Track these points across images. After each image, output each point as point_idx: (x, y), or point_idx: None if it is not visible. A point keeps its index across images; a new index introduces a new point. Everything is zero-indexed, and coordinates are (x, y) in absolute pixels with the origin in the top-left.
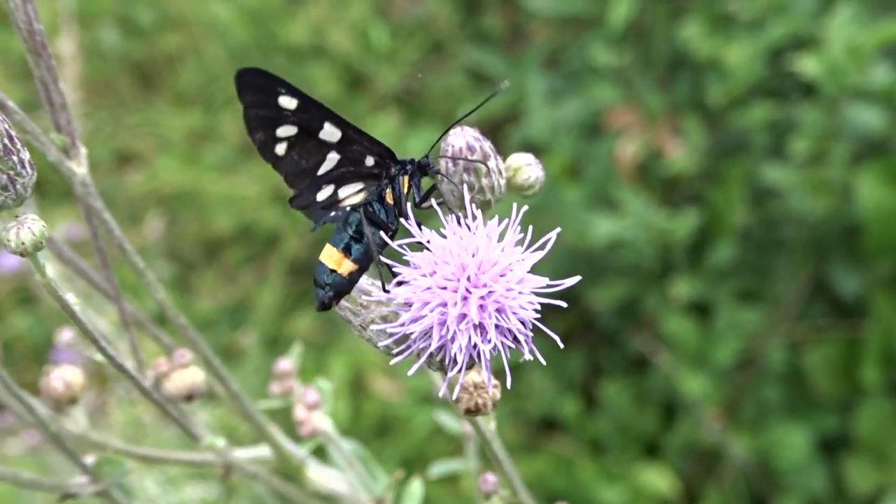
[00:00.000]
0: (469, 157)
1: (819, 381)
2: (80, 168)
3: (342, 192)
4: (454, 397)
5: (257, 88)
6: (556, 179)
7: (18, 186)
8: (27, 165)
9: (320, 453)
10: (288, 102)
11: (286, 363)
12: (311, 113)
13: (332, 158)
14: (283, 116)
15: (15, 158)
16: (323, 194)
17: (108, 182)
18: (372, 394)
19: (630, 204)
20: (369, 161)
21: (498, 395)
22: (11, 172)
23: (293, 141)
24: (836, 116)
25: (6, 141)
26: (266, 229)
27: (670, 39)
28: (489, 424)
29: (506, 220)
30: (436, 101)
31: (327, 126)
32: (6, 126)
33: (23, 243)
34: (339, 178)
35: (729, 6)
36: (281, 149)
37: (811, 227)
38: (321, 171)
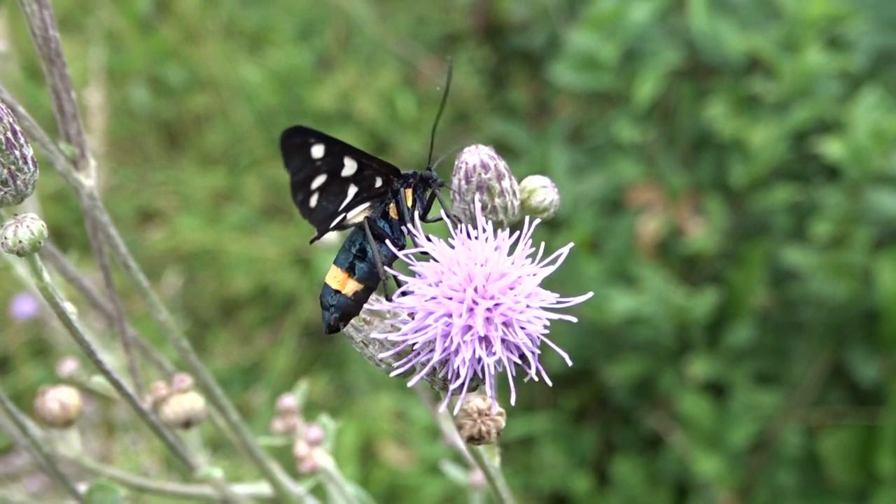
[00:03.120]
0: (482, 175)
1: (834, 467)
2: (87, 180)
3: (350, 215)
4: (455, 419)
5: (296, 149)
6: (576, 253)
7: (19, 182)
8: (29, 161)
9: (321, 493)
10: (317, 151)
11: (290, 400)
12: (335, 153)
13: (351, 192)
14: (315, 168)
15: (17, 153)
16: (334, 222)
17: (129, 238)
18: (381, 461)
19: (649, 280)
20: (378, 182)
21: (502, 423)
22: (13, 167)
23: (322, 188)
24: (859, 201)
25: (9, 134)
26: (283, 291)
27: (695, 119)
28: (494, 460)
29: (517, 233)
30: None
31: (346, 161)
32: (11, 119)
33: (20, 241)
34: (351, 205)
35: (754, 88)
36: (314, 200)
37: (831, 311)
38: (341, 207)
